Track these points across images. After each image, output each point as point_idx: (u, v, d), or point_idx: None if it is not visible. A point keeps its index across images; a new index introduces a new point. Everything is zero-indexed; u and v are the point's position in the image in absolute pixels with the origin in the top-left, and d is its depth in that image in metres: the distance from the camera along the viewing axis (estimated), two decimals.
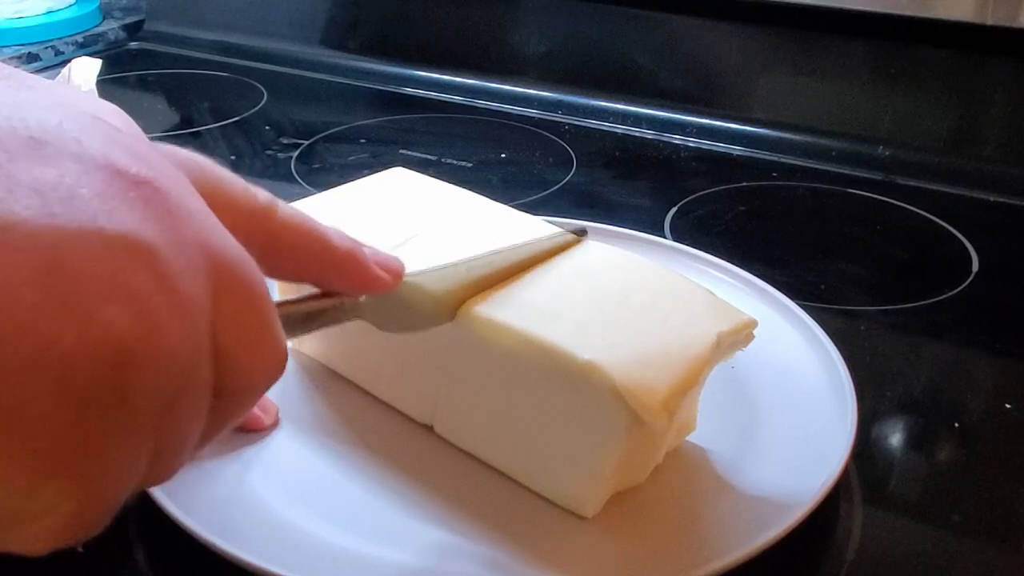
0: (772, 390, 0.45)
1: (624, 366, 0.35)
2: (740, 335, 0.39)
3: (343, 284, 0.32)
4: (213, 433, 0.26)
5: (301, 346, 0.48)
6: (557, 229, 0.44)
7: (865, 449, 0.44)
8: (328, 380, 0.47)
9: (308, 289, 0.32)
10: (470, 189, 0.49)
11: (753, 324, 0.40)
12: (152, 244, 0.22)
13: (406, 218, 0.45)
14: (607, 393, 0.34)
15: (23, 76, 0.25)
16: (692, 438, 0.42)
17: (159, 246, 0.22)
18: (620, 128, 0.84)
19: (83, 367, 0.20)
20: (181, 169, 0.26)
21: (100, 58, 0.58)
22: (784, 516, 0.36)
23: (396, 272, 0.33)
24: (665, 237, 0.63)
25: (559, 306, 0.38)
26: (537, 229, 0.44)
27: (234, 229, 0.26)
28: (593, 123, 0.85)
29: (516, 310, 0.38)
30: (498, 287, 0.39)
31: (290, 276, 0.31)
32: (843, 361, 0.45)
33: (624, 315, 0.38)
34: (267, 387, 0.27)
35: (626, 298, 0.39)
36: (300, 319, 0.32)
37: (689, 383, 0.36)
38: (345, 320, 0.33)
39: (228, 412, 0.26)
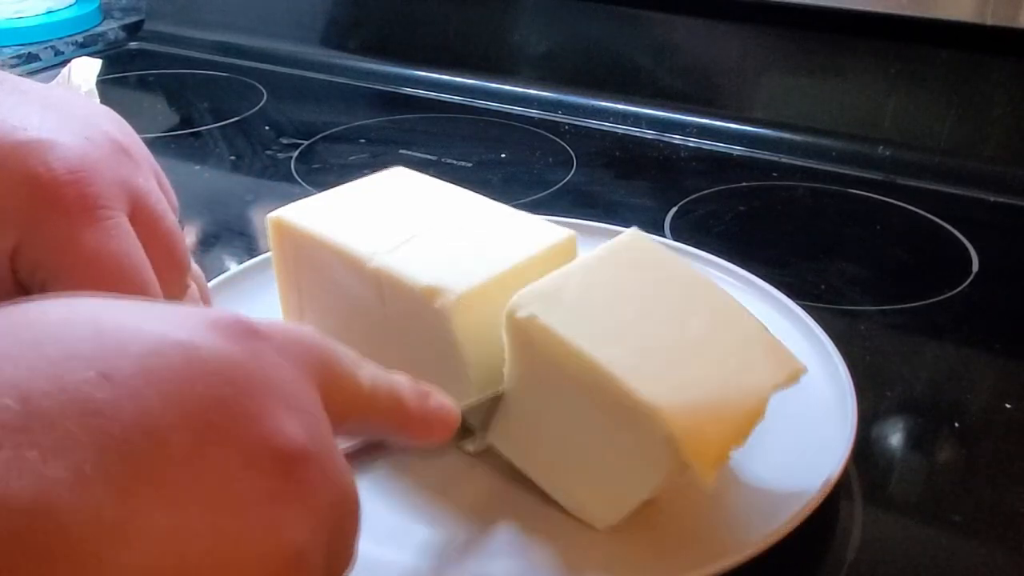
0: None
1: (681, 413, 0.34)
2: (790, 383, 0.38)
3: (405, 441, 0.32)
4: None
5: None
6: (556, 227, 0.44)
7: (865, 449, 0.44)
8: None
9: None
10: (470, 189, 0.49)
11: (802, 372, 0.38)
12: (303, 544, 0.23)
13: (406, 218, 0.45)
14: (661, 438, 0.34)
15: (15, 81, 0.25)
16: None
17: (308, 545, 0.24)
18: (620, 128, 0.84)
19: None
20: (302, 364, 0.26)
21: (100, 58, 0.58)
22: (784, 516, 0.36)
23: (451, 426, 0.33)
24: (665, 237, 0.63)
25: (617, 321, 0.37)
26: (536, 228, 0.44)
27: (340, 419, 0.27)
28: (593, 123, 0.85)
29: (575, 321, 0.36)
30: (551, 279, 0.38)
31: (364, 432, 0.32)
32: (843, 361, 0.45)
33: (683, 347, 0.37)
34: None
35: (684, 323, 0.38)
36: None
37: (741, 438, 0.35)
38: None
39: None
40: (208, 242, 0.64)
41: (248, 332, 0.25)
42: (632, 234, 0.42)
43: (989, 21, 0.71)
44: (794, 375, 0.38)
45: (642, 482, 0.36)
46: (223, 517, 0.22)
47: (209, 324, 0.25)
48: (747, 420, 0.35)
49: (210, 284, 0.52)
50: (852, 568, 0.38)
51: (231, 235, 0.65)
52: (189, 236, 0.65)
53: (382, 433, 0.32)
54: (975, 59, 0.74)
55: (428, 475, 0.40)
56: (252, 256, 0.55)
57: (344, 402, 0.28)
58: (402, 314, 0.42)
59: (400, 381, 0.31)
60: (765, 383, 0.36)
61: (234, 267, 0.55)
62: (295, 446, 0.24)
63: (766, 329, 0.39)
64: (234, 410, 0.23)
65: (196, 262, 0.62)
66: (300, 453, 0.24)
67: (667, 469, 0.35)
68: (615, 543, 0.37)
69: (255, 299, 0.51)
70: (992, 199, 0.71)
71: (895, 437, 0.47)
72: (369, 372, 0.30)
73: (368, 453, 0.33)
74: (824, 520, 0.39)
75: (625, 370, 0.35)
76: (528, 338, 0.37)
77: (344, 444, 0.31)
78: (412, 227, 0.44)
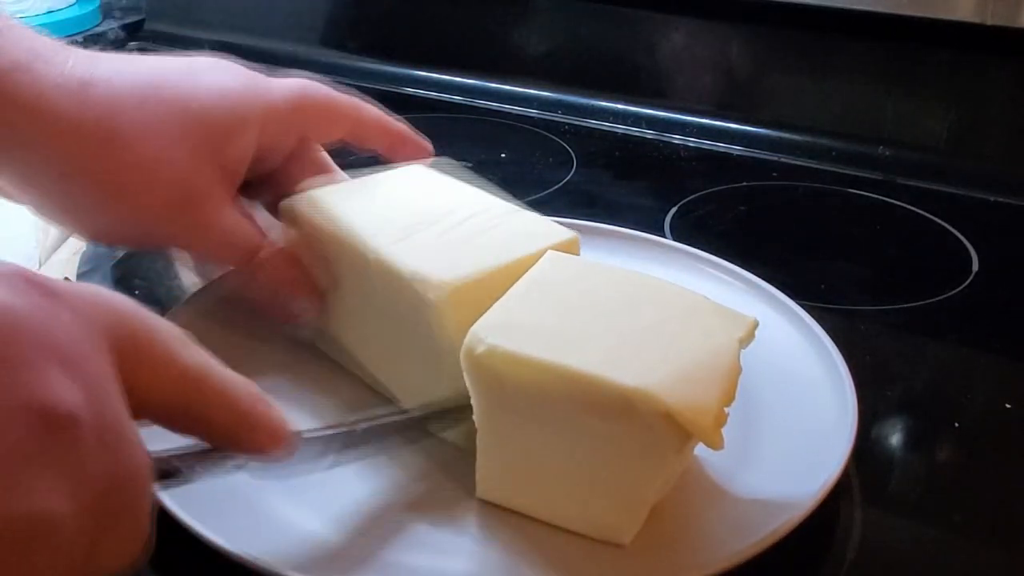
0: (772, 390, 0.45)
1: (671, 387, 0.34)
2: (750, 337, 0.39)
3: (231, 445, 0.31)
4: None
5: (319, 343, 0.49)
6: (560, 228, 0.44)
7: (865, 449, 0.44)
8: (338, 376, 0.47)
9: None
10: None
11: (756, 324, 0.40)
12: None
13: (414, 212, 0.45)
14: (657, 417, 0.33)
15: None
16: None
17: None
18: (620, 128, 0.84)
19: None
20: (99, 329, 0.25)
21: None
22: (785, 516, 0.36)
23: (281, 440, 0.31)
24: (665, 237, 0.63)
25: (574, 330, 0.37)
26: (542, 228, 0.44)
27: (145, 396, 0.27)
28: (593, 123, 0.85)
29: (535, 340, 0.36)
30: (495, 312, 0.38)
31: (195, 434, 0.30)
32: (844, 361, 0.45)
33: (642, 333, 0.37)
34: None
35: (635, 314, 0.38)
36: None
37: (731, 394, 0.35)
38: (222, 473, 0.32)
39: None
40: None
41: (34, 286, 0.24)
42: (552, 255, 0.42)
43: (989, 21, 0.71)
44: (750, 328, 0.39)
45: (648, 476, 0.36)
46: None
47: None
48: (729, 377, 0.36)
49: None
50: (852, 568, 0.38)
51: None
52: None
53: (204, 427, 0.30)
54: (975, 59, 0.74)
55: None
56: None
57: (153, 379, 0.27)
58: (393, 302, 0.42)
59: (237, 378, 0.30)
60: (730, 340, 0.37)
61: None
62: (63, 407, 0.23)
63: (707, 298, 0.40)
64: None
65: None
66: (68, 416, 0.23)
67: (672, 448, 0.35)
68: (614, 547, 0.37)
69: None
70: (992, 199, 0.71)
71: (895, 437, 0.47)
72: (197, 357, 0.29)
73: (209, 456, 0.31)
74: (824, 520, 0.39)
75: (600, 366, 0.35)
76: (494, 372, 0.36)
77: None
78: (418, 221, 0.44)
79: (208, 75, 0.45)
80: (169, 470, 0.30)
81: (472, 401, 0.38)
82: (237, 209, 0.45)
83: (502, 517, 0.38)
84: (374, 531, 0.38)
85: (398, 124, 0.52)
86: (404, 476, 0.40)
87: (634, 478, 0.36)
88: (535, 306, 0.38)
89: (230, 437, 0.30)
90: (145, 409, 0.27)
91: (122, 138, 0.41)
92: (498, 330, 0.36)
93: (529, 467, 0.38)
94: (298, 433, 0.33)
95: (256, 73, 0.47)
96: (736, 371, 0.37)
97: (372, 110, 0.51)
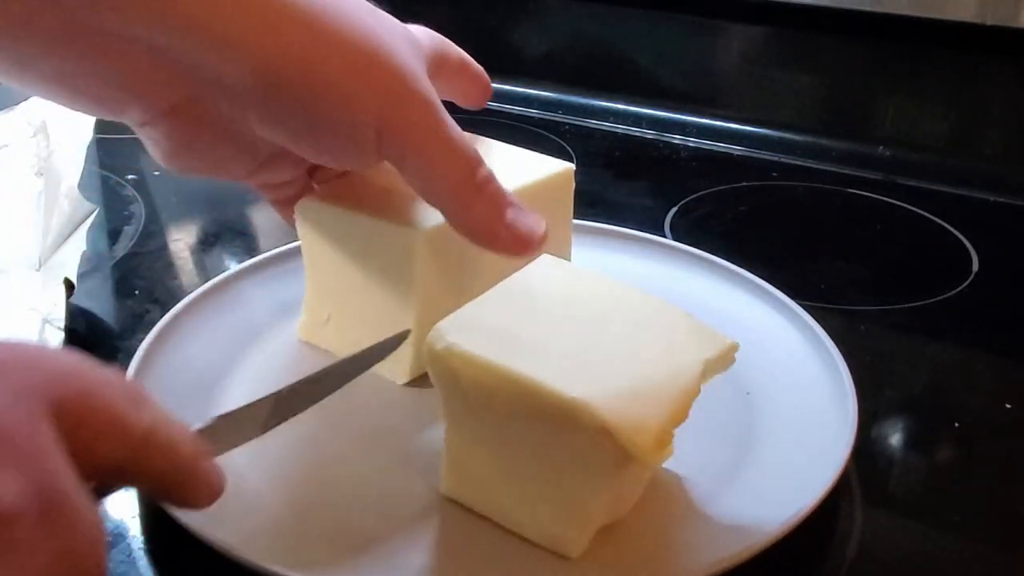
0: (772, 390, 0.45)
1: (613, 402, 0.33)
2: (724, 360, 0.38)
3: (177, 502, 0.31)
4: None
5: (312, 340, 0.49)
6: (554, 161, 0.48)
7: (865, 449, 0.44)
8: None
9: None
10: None
11: (735, 348, 0.38)
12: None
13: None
14: (597, 432, 0.33)
15: None
16: (693, 438, 0.42)
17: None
18: (620, 128, 0.84)
19: None
20: (31, 391, 0.24)
21: None
22: (784, 516, 0.36)
23: (220, 493, 0.31)
24: (665, 237, 0.63)
25: (538, 338, 0.36)
26: (534, 162, 0.49)
27: (92, 457, 0.25)
28: (593, 123, 0.85)
29: (495, 343, 0.36)
30: (467, 310, 0.38)
31: (134, 485, 0.30)
32: (844, 361, 0.45)
33: (606, 344, 0.37)
34: None
35: (606, 326, 0.38)
36: None
37: (680, 416, 0.35)
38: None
39: None
40: (208, 242, 0.64)
41: None
42: (544, 258, 0.42)
43: (989, 21, 0.71)
44: (725, 350, 0.38)
45: (592, 490, 0.35)
46: None
47: None
48: (682, 398, 0.35)
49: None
50: (852, 568, 0.38)
51: (231, 235, 0.65)
52: (189, 235, 0.65)
53: (149, 484, 0.29)
54: (975, 59, 0.74)
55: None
56: (252, 256, 0.55)
57: (98, 440, 0.26)
58: (378, 249, 0.44)
59: (183, 435, 0.29)
60: (695, 360, 0.36)
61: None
62: (2, 504, 0.21)
63: (691, 316, 0.39)
64: None
65: (196, 262, 0.62)
66: (9, 513, 0.21)
67: (614, 464, 0.34)
68: (611, 544, 0.37)
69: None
70: (992, 199, 0.72)
71: (895, 437, 0.47)
72: (144, 415, 0.27)
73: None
74: (824, 520, 0.39)
75: (550, 375, 0.34)
76: (451, 369, 0.36)
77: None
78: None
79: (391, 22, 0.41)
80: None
81: (439, 395, 0.38)
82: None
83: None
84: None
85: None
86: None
87: (578, 491, 0.35)
88: (506, 309, 0.38)
89: (172, 492, 0.30)
90: (92, 469, 0.26)
91: (336, 28, 0.36)
92: (460, 329, 0.36)
93: (488, 468, 0.37)
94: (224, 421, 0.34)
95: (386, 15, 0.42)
96: (693, 392, 0.35)
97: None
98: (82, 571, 0.24)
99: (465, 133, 0.40)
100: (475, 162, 0.39)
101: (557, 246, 0.49)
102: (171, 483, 0.29)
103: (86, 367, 0.26)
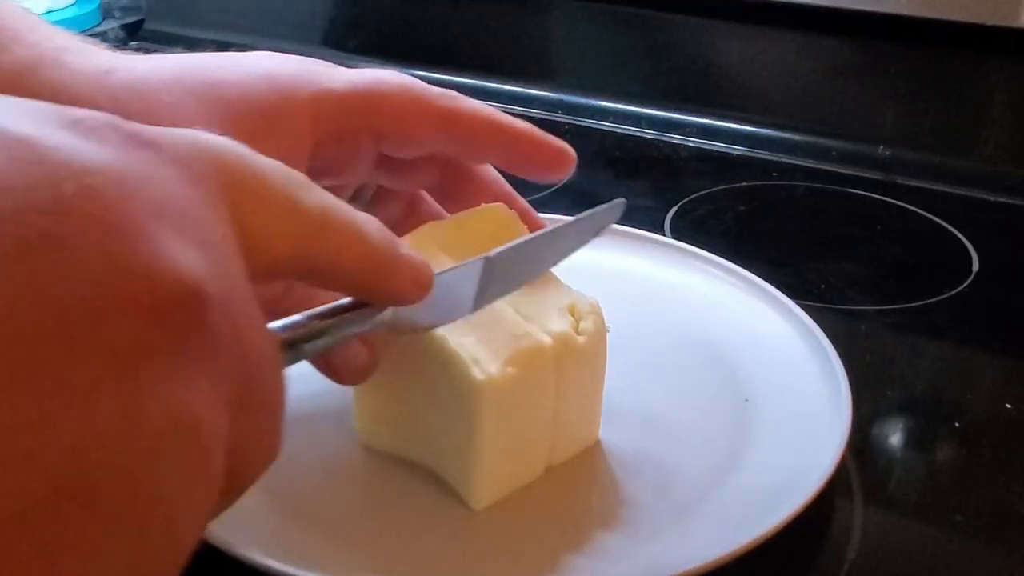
0: (768, 388, 0.45)
1: (465, 340, 0.35)
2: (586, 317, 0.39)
3: (379, 295, 0.28)
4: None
5: None
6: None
7: (865, 449, 0.44)
8: None
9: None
10: None
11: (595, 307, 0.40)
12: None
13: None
14: (451, 370, 0.35)
15: None
16: (686, 435, 0.42)
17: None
18: (620, 128, 0.84)
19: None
20: (207, 179, 0.21)
21: None
22: (776, 515, 0.36)
23: (425, 282, 0.28)
24: (665, 237, 0.63)
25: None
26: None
27: (266, 253, 0.23)
28: (593, 123, 0.85)
29: None
30: None
31: (327, 285, 0.27)
32: (840, 361, 0.45)
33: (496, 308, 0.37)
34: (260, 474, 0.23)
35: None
36: (319, 335, 0.27)
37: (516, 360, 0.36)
38: (363, 330, 0.29)
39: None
40: None
41: (126, 135, 0.20)
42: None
43: (989, 21, 0.71)
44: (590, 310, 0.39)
45: (472, 432, 0.36)
46: (78, 398, 0.16)
47: (69, 121, 0.19)
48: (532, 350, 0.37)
49: None
50: (852, 568, 0.38)
51: None
52: None
53: (336, 279, 0.26)
54: (975, 59, 0.74)
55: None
56: None
57: (270, 231, 0.23)
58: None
59: (368, 219, 0.26)
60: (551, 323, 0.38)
61: None
62: (188, 283, 0.18)
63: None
64: (99, 231, 0.17)
65: None
66: (194, 293, 0.18)
67: (477, 407, 0.36)
68: (605, 539, 0.37)
69: None
70: (992, 199, 0.71)
71: (895, 437, 0.47)
72: (318, 197, 0.24)
73: (321, 327, 0.27)
74: (823, 519, 0.39)
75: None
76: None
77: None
78: None
79: (252, 59, 0.37)
80: (298, 337, 0.26)
81: None
82: None
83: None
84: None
85: (516, 121, 0.40)
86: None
87: (465, 438, 0.37)
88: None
89: (368, 285, 0.27)
90: (263, 268, 0.22)
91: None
92: None
93: (399, 411, 0.39)
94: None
95: (320, 61, 0.38)
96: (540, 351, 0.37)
97: (473, 102, 0.39)
98: (263, 386, 0.21)
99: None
100: None
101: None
102: (366, 273, 0.26)
103: (247, 152, 0.23)
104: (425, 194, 0.43)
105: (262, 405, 0.21)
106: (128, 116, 0.25)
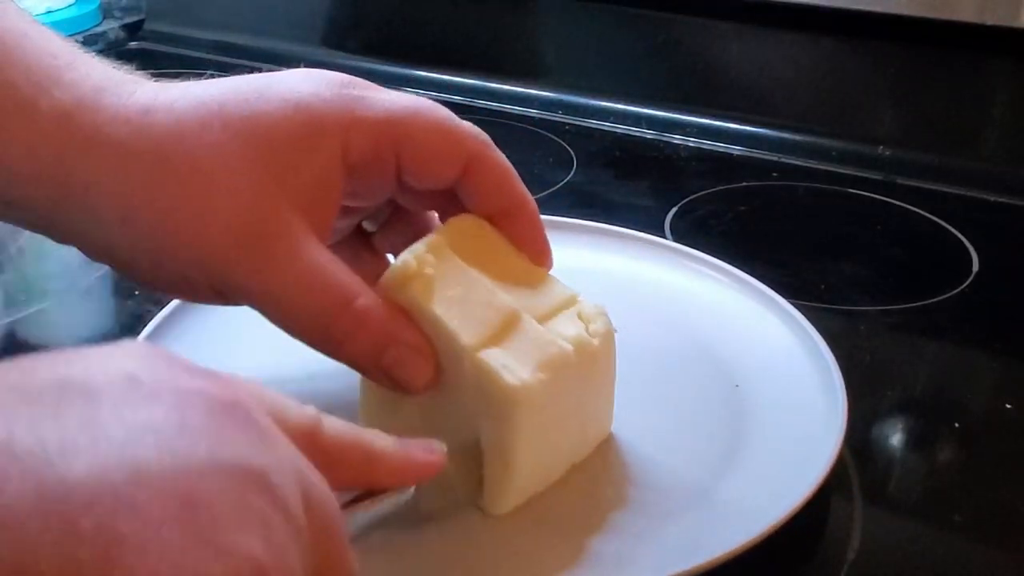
0: (763, 390, 0.45)
1: (493, 351, 0.36)
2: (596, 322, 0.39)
3: (394, 483, 0.32)
4: None
5: None
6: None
7: (865, 449, 0.44)
8: None
9: None
10: None
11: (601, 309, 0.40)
12: (263, 468, 0.22)
13: None
14: (482, 379, 0.35)
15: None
16: (682, 436, 0.42)
17: (269, 469, 0.23)
18: (620, 128, 0.84)
19: None
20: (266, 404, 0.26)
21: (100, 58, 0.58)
22: (771, 515, 0.36)
23: (440, 457, 0.33)
24: (665, 237, 0.63)
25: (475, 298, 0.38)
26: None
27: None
28: (593, 123, 0.85)
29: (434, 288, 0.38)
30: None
31: (341, 486, 0.30)
32: (836, 362, 0.44)
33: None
34: None
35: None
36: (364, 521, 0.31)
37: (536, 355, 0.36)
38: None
39: None
40: None
41: (197, 376, 0.24)
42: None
43: (989, 21, 0.71)
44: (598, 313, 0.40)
45: (501, 444, 0.36)
46: None
47: (212, 407, 0.23)
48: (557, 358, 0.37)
49: None
50: (852, 568, 0.38)
51: None
52: None
53: (364, 483, 0.31)
54: (975, 59, 0.74)
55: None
56: None
57: (286, 427, 0.26)
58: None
59: (368, 431, 0.31)
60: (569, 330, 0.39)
61: None
62: (225, 394, 0.23)
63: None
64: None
65: None
66: (231, 399, 0.23)
67: (507, 416, 0.36)
68: (604, 539, 0.37)
69: None
70: (992, 199, 0.71)
71: (895, 437, 0.47)
72: (314, 412, 0.29)
73: (368, 503, 0.31)
74: (823, 520, 0.39)
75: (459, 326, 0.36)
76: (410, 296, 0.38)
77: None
78: None
79: (285, 85, 0.38)
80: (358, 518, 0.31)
81: None
82: (327, 250, 0.37)
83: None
84: None
85: (528, 195, 0.41)
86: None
87: (475, 439, 0.37)
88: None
89: (390, 477, 0.31)
90: None
91: (176, 168, 0.35)
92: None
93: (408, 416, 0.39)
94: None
95: (361, 81, 0.39)
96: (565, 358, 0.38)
97: (499, 155, 0.41)
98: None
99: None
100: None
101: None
102: (371, 471, 0.31)
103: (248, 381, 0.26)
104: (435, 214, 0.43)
105: (329, 521, 0.25)
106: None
